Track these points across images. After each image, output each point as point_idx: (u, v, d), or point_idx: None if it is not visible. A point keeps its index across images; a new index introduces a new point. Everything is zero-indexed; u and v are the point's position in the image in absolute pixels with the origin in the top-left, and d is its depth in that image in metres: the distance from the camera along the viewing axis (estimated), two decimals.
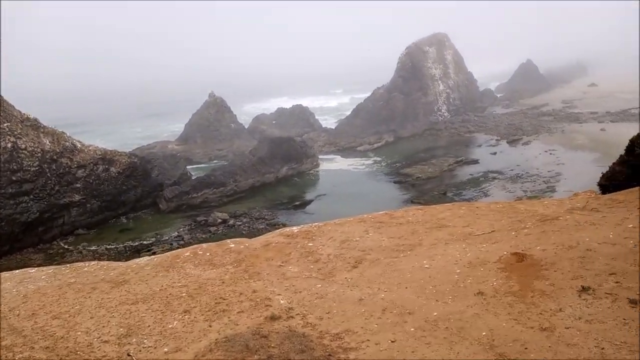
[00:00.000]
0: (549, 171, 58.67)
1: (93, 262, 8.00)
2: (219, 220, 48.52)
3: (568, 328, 3.93)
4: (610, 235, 5.41)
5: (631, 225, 5.49)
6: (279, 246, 7.57)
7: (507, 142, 74.16)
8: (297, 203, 56.13)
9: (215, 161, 75.22)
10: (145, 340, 4.99)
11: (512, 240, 6.05)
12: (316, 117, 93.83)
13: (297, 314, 5.24)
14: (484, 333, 4.12)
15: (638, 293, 4.19)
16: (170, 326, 5.32)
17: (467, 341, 4.03)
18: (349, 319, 4.93)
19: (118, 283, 6.60)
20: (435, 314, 4.68)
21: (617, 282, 4.43)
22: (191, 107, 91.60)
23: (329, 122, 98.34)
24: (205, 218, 50.06)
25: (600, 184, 13.33)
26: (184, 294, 6.09)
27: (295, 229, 8.45)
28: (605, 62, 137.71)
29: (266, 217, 51.74)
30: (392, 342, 4.32)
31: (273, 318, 5.22)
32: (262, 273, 6.59)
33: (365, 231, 7.62)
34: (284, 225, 49.52)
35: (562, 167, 59.91)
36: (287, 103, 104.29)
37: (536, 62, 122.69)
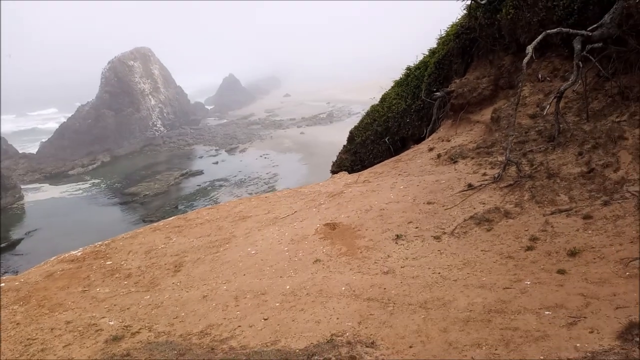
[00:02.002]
0: (267, 173, 64.46)
1: None
2: None
3: (404, 267, 4.87)
4: (391, 196, 6.77)
5: (402, 187, 6.99)
6: (68, 273, 6.59)
7: (226, 151, 78.04)
8: (3, 245, 46.94)
9: None
10: None
11: (316, 215, 6.87)
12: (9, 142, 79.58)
13: (141, 329, 4.82)
14: (343, 288, 4.71)
15: (435, 233, 5.44)
16: None
17: (334, 298, 4.54)
18: (204, 316, 4.83)
19: None
20: (287, 287, 5.04)
21: (417, 228, 5.66)
22: None
23: (25, 147, 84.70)
24: None
25: (332, 171, 15.74)
26: None
27: (75, 252, 7.44)
28: (293, 75, 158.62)
29: None
30: (266, 319, 4.49)
31: (116, 339, 4.66)
32: (65, 303, 5.70)
33: (166, 237, 7.34)
34: None
35: (277, 168, 66.64)
36: None
37: (237, 76, 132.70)
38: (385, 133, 14.73)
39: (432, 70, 12.39)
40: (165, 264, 6.33)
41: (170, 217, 8.36)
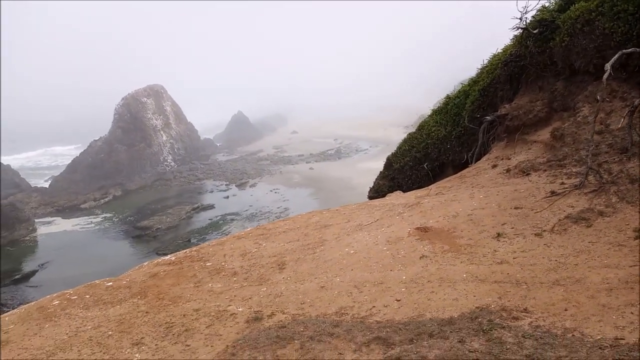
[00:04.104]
0: (277, 207, 64.82)
1: None
2: None
3: (516, 258, 5.23)
4: (474, 204, 7.20)
5: (482, 196, 7.43)
6: (172, 273, 6.95)
7: (237, 186, 78.68)
8: (17, 276, 46.99)
9: None
10: None
11: (402, 222, 7.26)
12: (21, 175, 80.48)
13: (273, 313, 5.15)
14: (464, 275, 5.07)
15: (534, 231, 5.84)
16: (135, 358, 4.54)
17: (460, 282, 4.88)
18: (332, 301, 5.16)
19: None
20: (404, 277, 5.39)
21: (512, 228, 6.06)
22: None
23: (37, 182, 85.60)
24: None
25: (370, 197, 16.20)
26: (110, 333, 5.19)
27: (168, 257, 7.84)
28: (299, 113, 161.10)
29: None
30: (399, 300, 4.83)
31: (256, 319, 5.01)
32: (183, 296, 6.04)
33: (255, 243, 7.71)
34: (4, 305, 40.70)
35: (287, 202, 67.03)
36: None
37: (246, 114, 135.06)
38: (424, 159, 15.28)
39: (475, 97, 13.05)
40: (267, 264, 6.71)
41: (184, 249, 8.62)
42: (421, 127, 15.74)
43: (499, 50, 13.29)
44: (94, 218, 65.51)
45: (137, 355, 4.64)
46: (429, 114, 16.36)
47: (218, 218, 62.53)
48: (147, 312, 5.66)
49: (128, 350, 4.77)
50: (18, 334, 5.54)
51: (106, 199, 71.65)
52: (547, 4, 11.31)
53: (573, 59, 9.51)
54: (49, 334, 5.43)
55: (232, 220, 61.56)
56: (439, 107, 15.42)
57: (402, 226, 6.99)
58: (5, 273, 48.72)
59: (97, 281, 7.03)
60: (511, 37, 12.01)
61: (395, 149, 16.96)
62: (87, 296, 6.42)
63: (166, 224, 60.17)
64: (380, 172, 16.73)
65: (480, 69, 13.54)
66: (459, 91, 14.57)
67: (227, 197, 72.97)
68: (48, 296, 6.63)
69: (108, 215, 66.49)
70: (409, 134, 16.33)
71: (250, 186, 78.57)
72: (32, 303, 6.46)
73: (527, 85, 11.17)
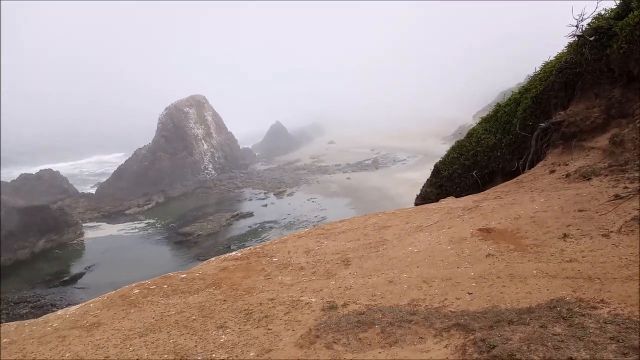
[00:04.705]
0: (315, 216, 65.20)
1: None
2: None
3: (585, 257, 5.33)
4: (535, 207, 7.29)
5: (542, 200, 7.51)
6: (241, 267, 7.32)
7: (274, 195, 79.65)
8: (65, 278, 48.96)
9: None
10: None
11: (462, 223, 7.41)
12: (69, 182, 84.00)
13: (346, 303, 5.41)
14: (534, 271, 5.21)
15: (600, 232, 5.91)
16: (221, 340, 4.89)
17: (530, 278, 5.00)
18: (403, 294, 5.38)
19: None
20: (472, 273, 5.54)
21: (578, 229, 6.14)
22: None
23: (85, 188, 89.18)
24: None
25: (416, 203, 16.30)
26: (194, 317, 5.57)
27: (235, 253, 8.22)
28: (336, 123, 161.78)
29: (29, 299, 43.66)
30: (470, 294, 5.02)
31: (332, 308, 5.30)
32: (256, 287, 6.38)
33: (317, 241, 8.00)
34: (54, 305, 42.49)
35: (325, 212, 67.34)
36: (29, 168, 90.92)
37: (284, 124, 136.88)
38: (473, 167, 15.29)
39: (527, 104, 13.04)
40: (332, 260, 6.99)
41: (248, 247, 8.93)
42: (470, 134, 15.77)
43: (552, 58, 13.27)
44: (138, 223, 67.62)
45: (223, 337, 4.99)
46: (470, 123, 16.45)
47: (257, 226, 63.43)
48: (224, 301, 6.02)
49: (214, 332, 5.13)
50: (107, 317, 6.00)
51: (149, 205, 73.88)
52: (603, 12, 11.28)
53: (631, 66, 9.46)
54: (136, 317, 5.86)
55: (271, 228, 62.30)
56: (488, 115, 15.43)
57: (464, 227, 7.14)
58: (55, 275, 50.92)
59: (171, 273, 7.48)
60: (565, 45, 12.02)
61: (434, 159, 17.10)
62: (165, 286, 6.86)
63: (207, 230, 61.50)
64: (428, 179, 16.82)
65: (532, 76, 13.53)
66: (510, 99, 14.57)
67: (266, 205, 73.98)
68: (127, 286, 7.11)
69: (151, 221, 68.53)
70: (457, 141, 16.39)
71: (288, 195, 79.41)
72: (113, 292, 6.94)
73: (583, 93, 11.12)
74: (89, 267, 52.57)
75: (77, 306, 6.78)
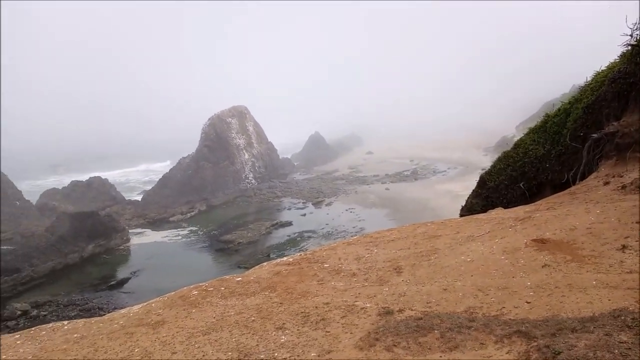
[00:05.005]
0: (353, 227, 65.11)
1: None
2: (19, 313, 40.73)
3: None
4: (591, 218, 7.19)
5: (598, 211, 7.40)
6: (293, 271, 7.53)
7: (313, 204, 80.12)
8: (112, 283, 50.66)
9: None
10: None
11: (515, 234, 7.38)
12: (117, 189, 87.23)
13: (401, 309, 5.52)
14: (593, 282, 5.17)
15: None
16: (282, 340, 5.09)
17: (590, 289, 4.97)
18: (459, 301, 5.43)
19: None
20: (528, 283, 5.53)
21: (637, 241, 6.04)
22: None
23: (131, 195, 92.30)
24: None
25: (462, 215, 16.14)
26: (253, 318, 5.80)
27: (287, 258, 8.44)
28: (374, 134, 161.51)
29: (77, 302, 45.43)
30: (529, 302, 5.02)
31: (387, 313, 5.42)
32: (310, 291, 6.56)
33: (366, 249, 8.13)
34: (101, 309, 44.05)
35: (363, 222, 67.18)
36: (79, 176, 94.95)
37: (322, 134, 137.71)
38: (520, 178, 15.06)
39: (578, 115, 12.80)
40: (383, 267, 7.10)
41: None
42: (517, 145, 15.56)
43: (603, 68, 13.00)
44: (181, 231, 69.40)
45: (283, 337, 5.18)
46: (513, 134, 16.30)
47: (296, 235, 63.94)
48: (281, 303, 6.23)
49: (273, 333, 5.33)
50: (170, 316, 6.32)
51: (192, 213, 75.72)
52: None
53: None
54: (198, 317, 6.14)
55: (309, 237, 62.65)
56: (536, 125, 15.20)
57: (517, 238, 7.11)
58: (102, 279, 52.79)
59: (226, 276, 7.77)
60: (619, 54, 11.78)
61: (476, 170, 16.96)
62: (222, 288, 7.14)
63: (247, 238, 62.45)
64: (473, 190, 16.66)
65: (583, 86, 13.27)
66: (559, 109, 14.32)
67: (304, 215, 74.53)
68: (186, 287, 7.44)
69: (194, 228, 70.20)
70: (504, 152, 16.19)
71: (326, 205, 79.71)
72: (173, 293, 7.28)
73: (637, 103, 10.85)
74: (134, 272, 54.24)
75: (140, 305, 7.15)
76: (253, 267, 9.11)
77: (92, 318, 7.08)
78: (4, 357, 6.03)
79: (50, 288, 48.58)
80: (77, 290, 48.88)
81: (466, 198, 17.80)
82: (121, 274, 54.89)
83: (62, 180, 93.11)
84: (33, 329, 6.79)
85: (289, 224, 69.52)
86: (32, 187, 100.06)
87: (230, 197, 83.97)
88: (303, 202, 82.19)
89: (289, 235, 63.88)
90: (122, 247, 62.95)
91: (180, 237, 66.48)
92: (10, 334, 6.94)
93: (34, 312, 41.65)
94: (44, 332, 6.79)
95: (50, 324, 7.00)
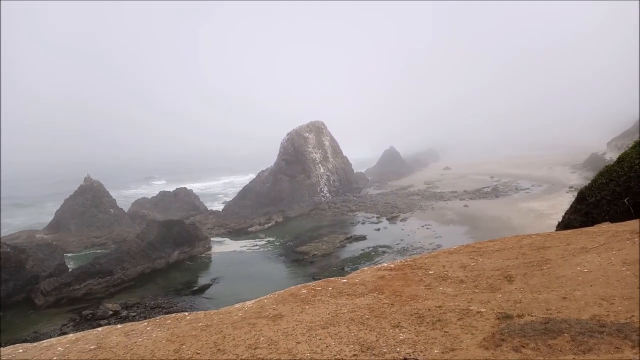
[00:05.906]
0: (430, 244, 63.58)
1: None
2: (110, 312, 43.63)
3: None
4: None
5: None
6: (397, 276, 7.67)
7: (387, 219, 79.35)
8: (194, 288, 52.97)
9: (91, 250, 68.33)
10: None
11: (635, 246, 7.09)
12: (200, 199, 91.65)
13: (519, 314, 5.49)
14: None
15: None
16: (401, 337, 5.23)
17: None
18: (582, 309, 5.31)
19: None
20: None
21: None
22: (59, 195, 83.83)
23: (213, 205, 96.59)
24: (92, 311, 44.69)
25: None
26: (367, 316, 5.98)
27: (388, 264, 8.61)
28: (452, 149, 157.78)
29: (163, 305, 47.82)
30: None
31: (507, 317, 5.42)
32: (419, 295, 6.67)
33: (470, 258, 8.10)
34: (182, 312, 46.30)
35: (440, 239, 65.43)
36: (167, 187, 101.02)
37: (397, 149, 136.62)
38: (625, 193, 14.23)
39: None
40: (492, 275, 7.05)
41: (400, 259, 9.09)
42: (621, 160, 14.74)
43: None
44: (259, 241, 71.39)
45: (401, 335, 5.34)
46: (604, 151, 15.41)
47: (370, 249, 63.56)
48: (391, 305, 6.39)
49: (390, 330, 5.50)
50: (286, 310, 6.68)
51: (269, 224, 77.72)
52: None
53: None
54: (312, 312, 6.45)
55: (384, 252, 62.02)
56: None
57: (637, 250, 6.81)
58: (185, 284, 55.34)
59: (332, 278, 8.06)
60: None
61: (562, 189, 16.23)
62: (330, 288, 7.43)
63: (322, 250, 63.00)
64: (571, 205, 15.95)
65: None
66: None
67: (378, 229, 73.93)
68: (294, 286, 7.81)
69: (271, 239, 71.95)
70: (606, 166, 15.39)
71: (401, 220, 78.59)
72: (282, 290, 7.67)
73: None
74: (214, 279, 56.40)
75: (253, 301, 7.60)
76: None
77: (210, 310, 7.63)
78: (139, 339, 6.67)
79: (138, 291, 51.65)
80: (163, 293, 51.55)
81: (551, 217, 17.06)
82: (202, 280, 57.21)
83: (151, 191, 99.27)
84: (158, 317, 7.45)
85: (363, 237, 69.29)
86: (123, 196, 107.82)
87: (306, 210, 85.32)
88: (377, 217, 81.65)
89: (363, 250, 63.64)
90: (204, 255, 65.71)
91: (257, 247, 68.33)
92: (138, 321, 7.66)
93: (124, 313, 44.43)
94: (169, 321, 7.42)
95: (173, 314, 7.63)
